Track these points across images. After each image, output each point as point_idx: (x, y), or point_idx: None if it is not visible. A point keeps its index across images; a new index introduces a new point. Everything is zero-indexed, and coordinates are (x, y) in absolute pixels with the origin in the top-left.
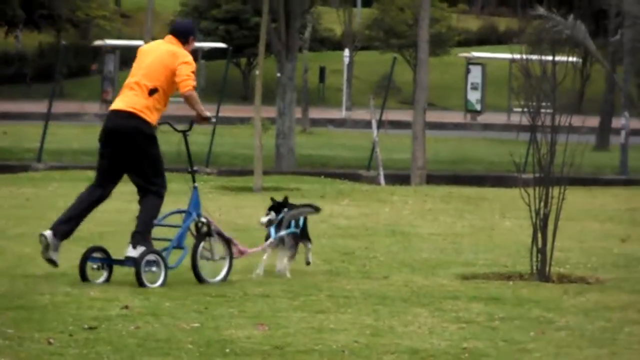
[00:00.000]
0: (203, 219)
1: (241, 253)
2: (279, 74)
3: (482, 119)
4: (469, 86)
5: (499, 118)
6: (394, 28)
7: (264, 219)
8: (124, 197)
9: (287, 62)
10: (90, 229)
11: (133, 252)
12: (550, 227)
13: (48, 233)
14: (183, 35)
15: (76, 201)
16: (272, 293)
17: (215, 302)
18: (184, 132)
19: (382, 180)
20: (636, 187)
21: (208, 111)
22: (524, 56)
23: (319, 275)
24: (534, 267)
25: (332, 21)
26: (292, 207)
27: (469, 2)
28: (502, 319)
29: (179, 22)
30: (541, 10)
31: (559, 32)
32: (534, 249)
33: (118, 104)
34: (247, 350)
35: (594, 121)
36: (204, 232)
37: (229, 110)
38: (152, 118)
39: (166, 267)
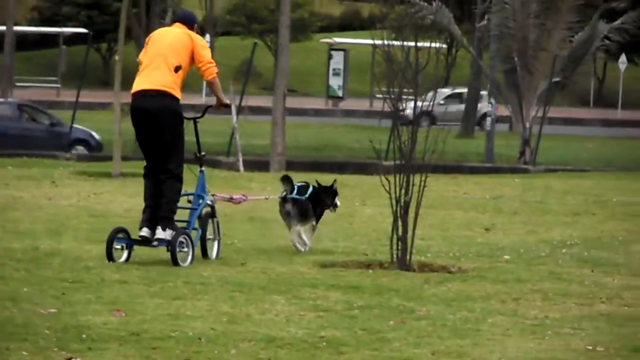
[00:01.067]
0: (208, 201)
1: (236, 202)
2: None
3: (344, 105)
4: (331, 72)
5: (361, 104)
6: (255, 13)
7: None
8: None
9: None
10: None
11: (163, 234)
12: (412, 215)
13: (145, 231)
14: (189, 22)
15: (146, 194)
16: (129, 279)
17: (72, 288)
18: (194, 119)
19: (241, 166)
20: (501, 174)
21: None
22: (386, 42)
23: None
24: (395, 256)
25: (193, 6)
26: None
27: None
28: (361, 307)
29: (185, 11)
30: None
31: (423, 18)
32: (395, 237)
33: (143, 84)
34: (104, 336)
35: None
36: (209, 213)
37: (90, 95)
38: (179, 94)
39: (193, 247)
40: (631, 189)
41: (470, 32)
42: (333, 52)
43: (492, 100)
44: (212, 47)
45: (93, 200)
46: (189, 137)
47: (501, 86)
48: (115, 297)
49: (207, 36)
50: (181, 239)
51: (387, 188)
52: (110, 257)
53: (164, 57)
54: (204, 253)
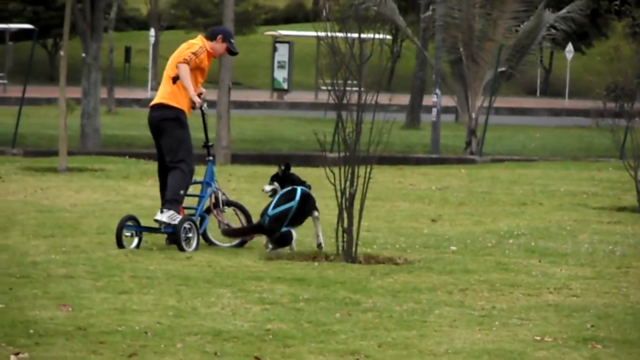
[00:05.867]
0: (215, 189)
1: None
2: (84, 54)
3: (289, 97)
4: (275, 64)
5: (307, 96)
6: (200, 7)
7: (268, 188)
8: None
9: (92, 42)
10: None
11: (160, 216)
12: (357, 206)
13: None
14: (212, 34)
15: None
16: (75, 274)
17: (19, 283)
18: (201, 109)
19: None
20: (447, 165)
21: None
22: (330, 34)
23: (122, 256)
24: (340, 248)
25: (137, 1)
26: (292, 177)
27: None
28: (307, 300)
29: (217, 26)
30: None
31: (367, 9)
32: (340, 229)
33: (155, 99)
34: (50, 331)
35: (404, 99)
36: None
37: (36, 91)
38: (178, 102)
39: (198, 233)
40: (578, 178)
41: (415, 23)
42: (278, 45)
43: (438, 91)
44: (157, 42)
45: (40, 195)
46: None
47: (447, 77)
48: (62, 292)
49: (152, 30)
50: (186, 225)
51: (332, 180)
52: (120, 244)
53: (166, 71)
54: (205, 238)
